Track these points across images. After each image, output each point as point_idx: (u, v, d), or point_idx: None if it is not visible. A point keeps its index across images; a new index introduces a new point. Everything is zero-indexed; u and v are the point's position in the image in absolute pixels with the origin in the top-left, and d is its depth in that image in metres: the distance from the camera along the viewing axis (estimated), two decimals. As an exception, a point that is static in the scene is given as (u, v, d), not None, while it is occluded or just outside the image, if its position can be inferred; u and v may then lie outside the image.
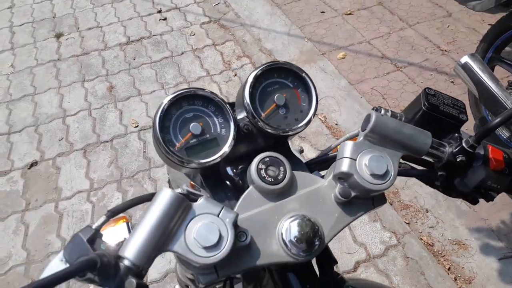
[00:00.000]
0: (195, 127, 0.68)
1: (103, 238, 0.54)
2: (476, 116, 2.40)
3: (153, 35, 3.64)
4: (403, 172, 0.75)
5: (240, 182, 0.76)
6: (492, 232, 2.10)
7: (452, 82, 2.92)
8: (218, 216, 0.54)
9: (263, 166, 0.62)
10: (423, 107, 0.71)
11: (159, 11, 3.91)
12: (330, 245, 0.66)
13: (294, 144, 2.50)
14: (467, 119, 0.72)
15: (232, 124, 0.69)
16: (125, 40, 3.61)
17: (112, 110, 2.97)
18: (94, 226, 0.56)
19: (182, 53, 3.41)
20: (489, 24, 3.23)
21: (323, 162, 0.79)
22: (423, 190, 2.30)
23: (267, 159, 0.63)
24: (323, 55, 3.24)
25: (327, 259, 0.71)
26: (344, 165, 0.61)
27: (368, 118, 0.64)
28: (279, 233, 0.59)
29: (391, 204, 2.26)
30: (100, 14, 3.97)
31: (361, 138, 0.64)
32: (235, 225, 0.55)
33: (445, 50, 3.17)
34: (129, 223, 0.78)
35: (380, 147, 0.63)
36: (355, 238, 2.12)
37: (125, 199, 2.38)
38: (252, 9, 3.82)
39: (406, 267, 1.99)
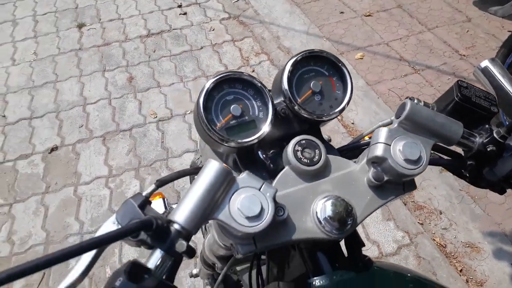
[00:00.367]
0: (235, 108, 0.71)
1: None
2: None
3: (173, 29, 3.68)
4: (433, 160, 0.78)
5: (271, 165, 0.79)
6: (505, 237, 2.11)
7: (469, 86, 2.92)
8: (259, 190, 0.57)
9: (300, 148, 0.65)
10: (455, 98, 0.74)
11: (179, 6, 3.96)
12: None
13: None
14: (498, 111, 0.75)
15: (270, 107, 0.72)
16: (145, 32, 3.66)
17: (132, 100, 3.02)
18: (144, 193, 0.60)
19: (201, 48, 3.45)
20: (508, 31, 3.24)
21: (354, 149, 0.82)
22: (438, 192, 2.32)
23: (304, 141, 0.66)
24: (341, 55, 3.26)
25: (356, 241, 0.73)
26: (379, 150, 0.64)
27: (403, 106, 0.67)
28: (314, 211, 0.62)
29: (405, 205, 2.27)
30: (122, 6, 4.03)
31: (396, 125, 0.67)
32: (274, 200, 0.58)
33: (464, 55, 3.18)
34: (165, 199, 0.82)
35: (413, 135, 0.66)
36: (368, 235, 2.14)
37: (142, 187, 2.43)
38: (272, 7, 3.85)
39: (418, 267, 2.01)
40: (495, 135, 0.70)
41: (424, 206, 2.27)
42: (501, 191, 0.75)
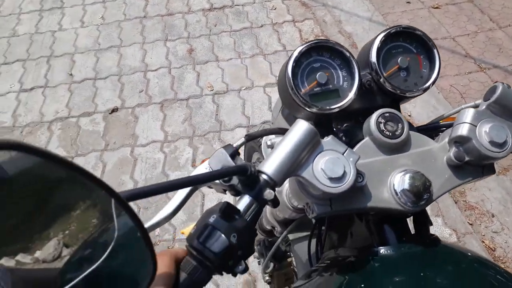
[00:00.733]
0: (321, 76, 0.74)
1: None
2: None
3: (235, 5, 3.71)
4: None
5: (344, 138, 0.81)
6: (560, 248, 2.03)
7: (539, 91, 2.78)
8: (343, 154, 0.59)
9: (383, 120, 0.67)
10: None
11: (243, -18, 3.97)
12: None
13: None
14: None
15: (357, 77, 0.74)
16: (208, 6, 3.71)
17: (190, 72, 3.10)
18: (234, 145, 0.64)
19: (262, 26, 3.47)
20: None
21: (434, 129, 0.82)
22: (491, 194, 2.25)
23: (387, 114, 0.67)
24: (403, 45, 3.17)
25: (424, 219, 0.74)
26: (464, 129, 0.64)
27: (493, 89, 0.67)
28: (391, 183, 0.63)
29: (455, 203, 2.23)
30: (187, -22, 4.09)
31: (483, 107, 0.67)
32: (355, 166, 0.60)
33: (536, 57, 3.01)
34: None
35: (501, 119, 0.66)
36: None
37: (195, 155, 2.51)
38: (336, -9, 3.79)
39: (463, 266, 1.98)
40: None
41: (475, 206, 2.21)
42: None
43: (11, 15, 3.76)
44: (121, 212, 0.40)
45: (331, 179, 0.57)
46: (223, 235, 0.47)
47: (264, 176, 0.55)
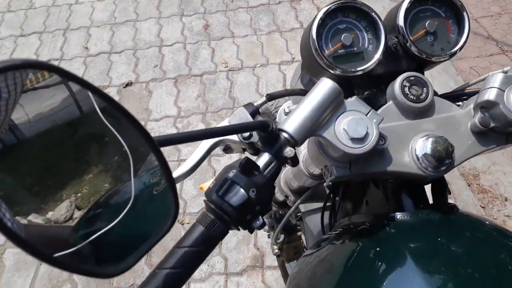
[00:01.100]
0: (346, 37, 0.72)
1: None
2: None
3: (253, -19, 3.65)
4: None
5: None
6: None
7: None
8: (366, 115, 0.58)
9: (407, 84, 0.65)
10: None
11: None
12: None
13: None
14: None
15: (382, 40, 0.72)
16: (225, -19, 3.66)
17: (205, 47, 3.08)
18: (255, 104, 0.64)
19: (279, 2, 3.41)
20: None
21: (459, 96, 0.80)
22: (506, 178, 2.21)
23: (412, 78, 0.65)
24: (423, 25, 3.10)
25: (443, 187, 0.73)
26: (492, 94, 0.62)
27: None
28: (413, 148, 0.62)
29: (469, 185, 2.20)
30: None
31: None
32: (378, 128, 0.59)
33: (562, 41, 2.91)
34: None
35: None
36: (425, 210, 2.10)
37: (208, 130, 2.52)
38: (356, -32, 3.69)
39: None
40: None
41: (489, 190, 2.18)
42: None
43: (28, -13, 3.77)
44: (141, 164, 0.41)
45: (353, 139, 0.56)
46: (242, 189, 0.47)
47: (284, 134, 0.54)
